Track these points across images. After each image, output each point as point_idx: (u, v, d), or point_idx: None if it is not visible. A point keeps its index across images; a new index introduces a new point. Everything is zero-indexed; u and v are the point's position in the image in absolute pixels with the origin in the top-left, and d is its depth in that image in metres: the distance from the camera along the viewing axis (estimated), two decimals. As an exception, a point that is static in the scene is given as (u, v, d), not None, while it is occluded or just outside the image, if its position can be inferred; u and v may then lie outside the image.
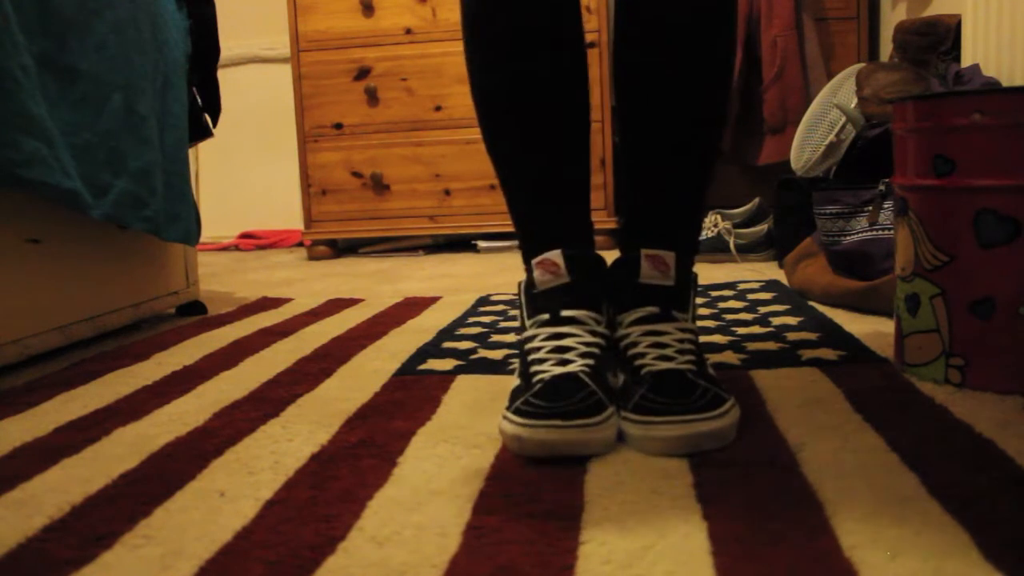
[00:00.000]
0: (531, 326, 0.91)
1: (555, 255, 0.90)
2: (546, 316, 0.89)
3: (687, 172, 0.95)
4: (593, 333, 0.88)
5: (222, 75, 1.88)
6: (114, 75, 1.36)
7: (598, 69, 2.53)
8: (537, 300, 0.91)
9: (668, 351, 0.86)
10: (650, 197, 0.96)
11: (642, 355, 0.87)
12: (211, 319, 1.66)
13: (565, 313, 0.88)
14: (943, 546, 0.59)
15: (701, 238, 2.25)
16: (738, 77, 2.35)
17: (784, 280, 1.79)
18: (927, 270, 0.98)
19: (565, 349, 0.86)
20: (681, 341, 0.88)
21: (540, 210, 0.97)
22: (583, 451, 0.78)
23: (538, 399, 0.79)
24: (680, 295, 0.91)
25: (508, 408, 0.82)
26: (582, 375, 0.82)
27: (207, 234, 3.34)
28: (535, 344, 0.88)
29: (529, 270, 0.94)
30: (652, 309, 0.89)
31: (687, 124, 0.94)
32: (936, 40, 1.75)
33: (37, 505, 0.74)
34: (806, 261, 1.64)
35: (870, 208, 1.44)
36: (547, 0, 0.93)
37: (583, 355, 0.85)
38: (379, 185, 2.75)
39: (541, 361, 0.86)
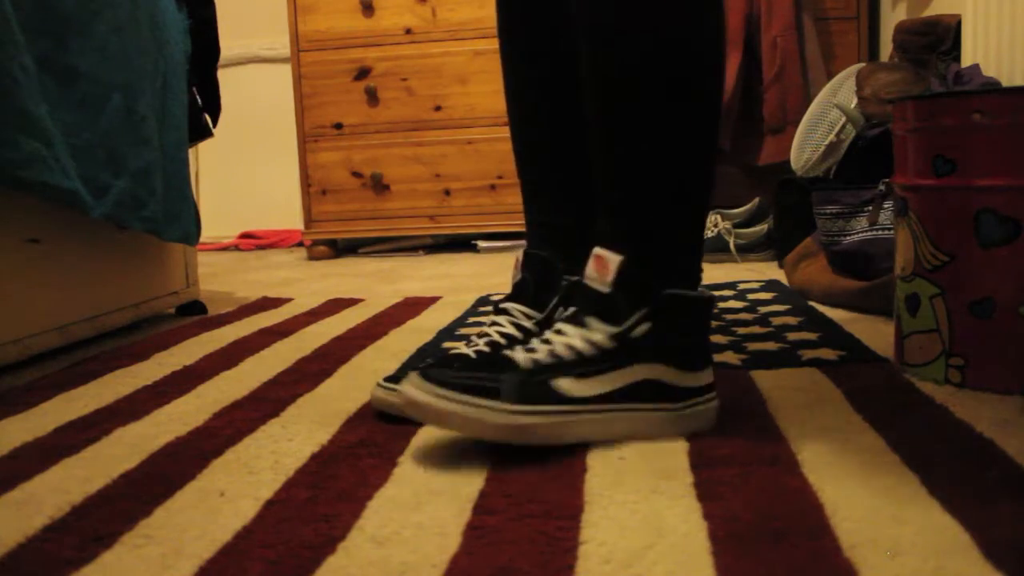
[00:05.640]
0: None
1: (519, 253, 1.00)
2: (493, 306, 1.00)
3: (649, 166, 0.84)
4: (515, 325, 0.96)
5: (222, 75, 1.87)
6: (114, 75, 1.36)
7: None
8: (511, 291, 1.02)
9: (535, 344, 0.83)
10: (607, 191, 0.86)
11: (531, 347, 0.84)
12: (211, 319, 1.66)
13: (502, 305, 0.99)
14: (943, 546, 0.59)
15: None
16: (738, 77, 2.34)
17: (784, 280, 1.79)
18: (927, 270, 0.98)
19: (483, 335, 0.96)
20: (564, 346, 0.82)
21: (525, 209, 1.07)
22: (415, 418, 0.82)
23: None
24: (610, 303, 0.82)
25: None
26: (463, 356, 0.90)
27: (207, 234, 3.34)
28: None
29: None
30: (574, 311, 0.84)
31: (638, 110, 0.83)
32: (936, 40, 1.74)
33: (37, 505, 0.74)
34: (806, 261, 1.64)
35: (870, 208, 1.44)
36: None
37: (490, 343, 0.94)
38: (379, 185, 2.75)
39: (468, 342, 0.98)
